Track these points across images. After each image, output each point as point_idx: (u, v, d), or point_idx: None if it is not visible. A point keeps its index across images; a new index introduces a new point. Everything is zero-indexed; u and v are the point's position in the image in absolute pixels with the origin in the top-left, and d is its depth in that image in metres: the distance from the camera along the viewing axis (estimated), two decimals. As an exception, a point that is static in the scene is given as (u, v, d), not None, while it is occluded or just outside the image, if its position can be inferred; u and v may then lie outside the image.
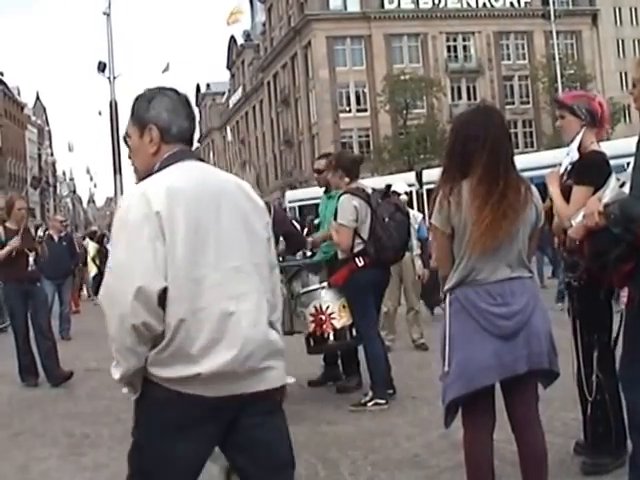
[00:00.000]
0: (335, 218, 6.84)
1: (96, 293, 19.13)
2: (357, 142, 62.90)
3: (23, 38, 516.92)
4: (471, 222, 3.62)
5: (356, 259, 6.70)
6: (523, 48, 66.50)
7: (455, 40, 66.31)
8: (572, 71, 56.88)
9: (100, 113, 41.03)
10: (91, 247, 19.31)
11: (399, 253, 7.04)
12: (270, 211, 6.24)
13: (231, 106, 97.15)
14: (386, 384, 6.82)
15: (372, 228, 6.68)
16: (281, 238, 6.61)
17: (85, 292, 19.54)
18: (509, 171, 3.71)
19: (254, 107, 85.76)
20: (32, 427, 6.99)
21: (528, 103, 64.76)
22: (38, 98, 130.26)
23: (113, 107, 29.60)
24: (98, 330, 14.35)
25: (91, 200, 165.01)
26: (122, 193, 30.32)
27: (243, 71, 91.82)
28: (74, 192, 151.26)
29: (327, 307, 6.79)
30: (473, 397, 3.65)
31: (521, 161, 3.81)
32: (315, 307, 6.81)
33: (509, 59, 66.35)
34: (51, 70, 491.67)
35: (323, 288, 6.88)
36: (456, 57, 66.05)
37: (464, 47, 66.48)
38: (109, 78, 29.60)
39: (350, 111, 63.77)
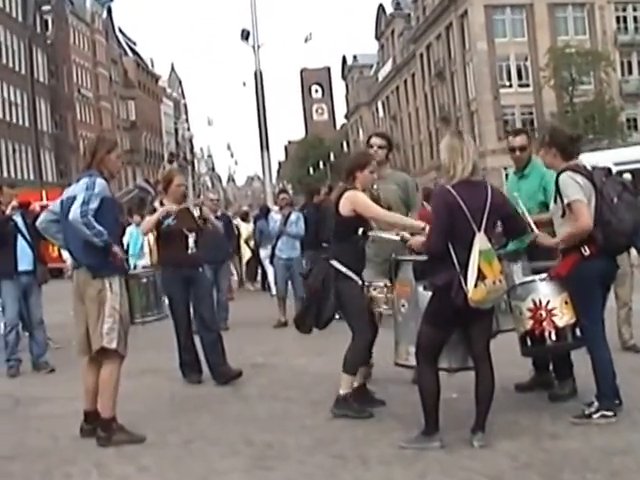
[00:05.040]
0: (556, 200, 6.15)
1: (251, 279, 18.87)
2: (520, 119, 60.80)
3: (157, 6, 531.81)
4: None
5: (581, 248, 6.00)
6: None
7: (625, 10, 63.34)
8: None
9: (244, 84, 41.30)
10: (244, 229, 18.89)
11: (632, 239, 6.25)
12: (487, 190, 5.71)
13: (380, 80, 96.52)
14: (613, 393, 6.11)
15: (598, 211, 5.98)
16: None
17: (236, 278, 18.88)
18: None
19: (405, 81, 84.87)
20: (203, 432, 6.54)
21: None
22: (173, 69, 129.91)
23: (258, 78, 29.23)
24: (259, 319, 13.80)
25: (231, 179, 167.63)
26: (269, 170, 30.04)
27: (393, 42, 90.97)
28: (213, 170, 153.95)
29: (547, 302, 6.08)
30: None
31: None
32: (534, 301, 6.11)
33: (689, 30, 62.94)
34: (186, 40, 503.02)
35: (543, 280, 6.18)
36: (626, 29, 63.04)
37: (634, 18, 63.34)
38: (253, 47, 28.90)
39: (511, 86, 61.92)
